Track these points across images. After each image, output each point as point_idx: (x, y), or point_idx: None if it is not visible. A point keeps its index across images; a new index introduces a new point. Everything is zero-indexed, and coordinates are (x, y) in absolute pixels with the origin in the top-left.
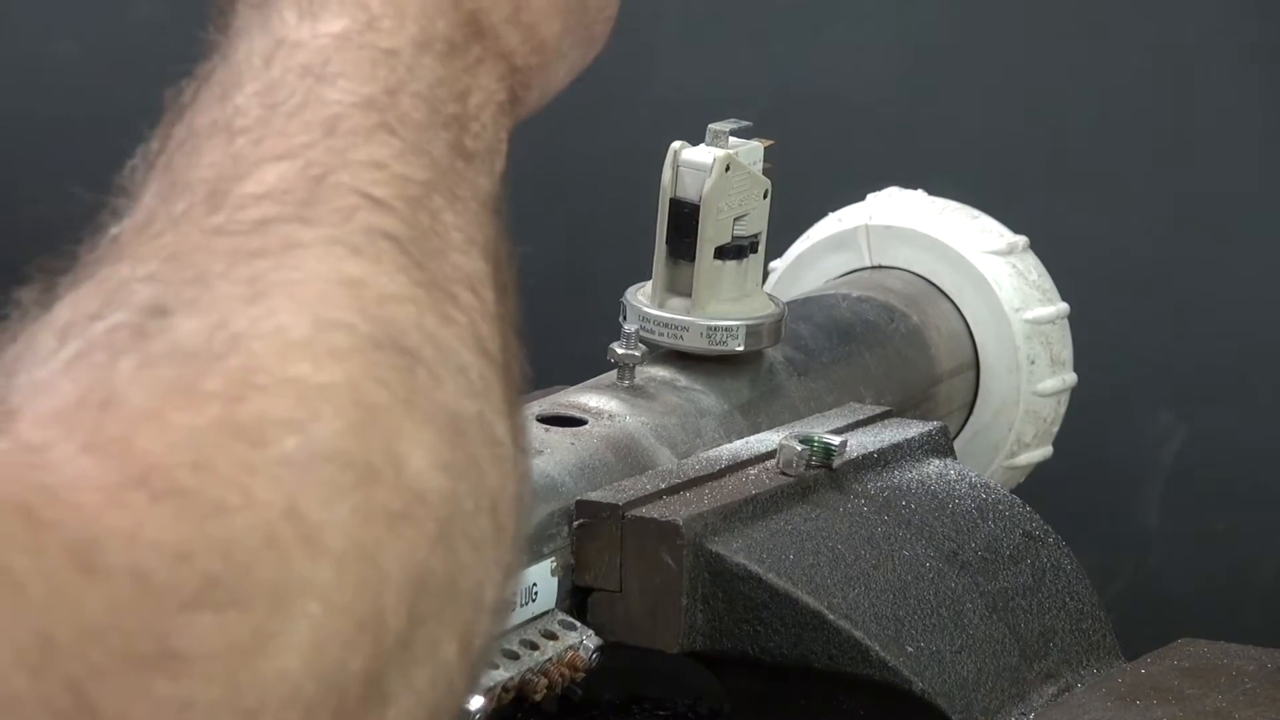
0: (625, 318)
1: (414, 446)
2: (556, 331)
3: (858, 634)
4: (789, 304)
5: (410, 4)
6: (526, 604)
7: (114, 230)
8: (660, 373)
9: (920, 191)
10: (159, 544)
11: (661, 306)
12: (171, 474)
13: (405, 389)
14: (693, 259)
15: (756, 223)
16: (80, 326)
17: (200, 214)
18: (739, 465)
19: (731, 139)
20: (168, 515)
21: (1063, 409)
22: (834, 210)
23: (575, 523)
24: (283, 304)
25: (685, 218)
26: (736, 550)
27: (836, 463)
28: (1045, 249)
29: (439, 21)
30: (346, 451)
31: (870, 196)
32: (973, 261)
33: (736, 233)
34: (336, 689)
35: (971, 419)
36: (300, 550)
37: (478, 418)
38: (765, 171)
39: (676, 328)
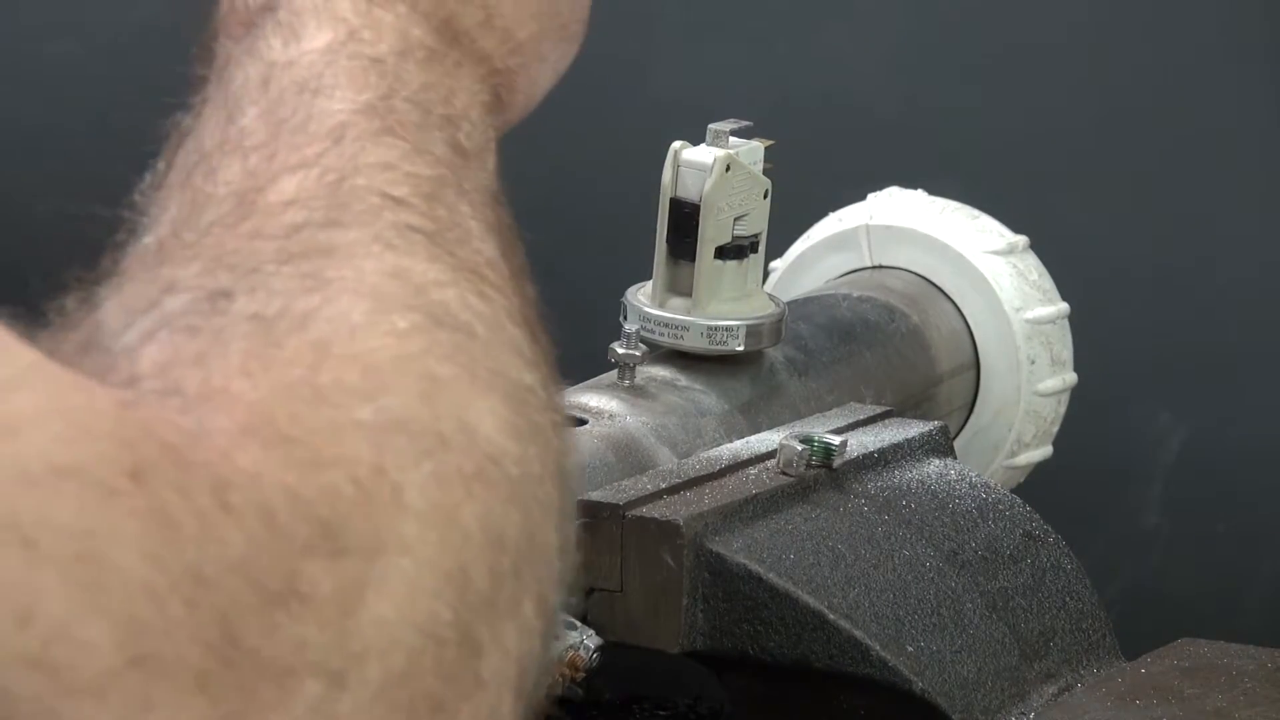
0: (625, 318)
1: (483, 414)
2: (556, 331)
3: (858, 634)
4: (789, 304)
5: (385, 15)
6: None
7: (145, 241)
8: (661, 372)
9: (920, 191)
10: (279, 487)
11: (662, 306)
12: (274, 424)
13: (467, 361)
14: (693, 259)
15: (757, 223)
16: (145, 309)
17: (231, 222)
18: (739, 465)
19: (732, 139)
20: (279, 461)
21: (1063, 409)
22: (835, 210)
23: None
24: (339, 294)
25: (685, 218)
26: (737, 550)
27: (837, 462)
28: (1046, 248)
29: (414, 30)
30: (419, 420)
31: (871, 196)
32: (973, 261)
33: (737, 233)
34: (434, 639)
35: (972, 419)
36: (388, 506)
37: (534, 387)
38: (765, 171)
39: (677, 327)
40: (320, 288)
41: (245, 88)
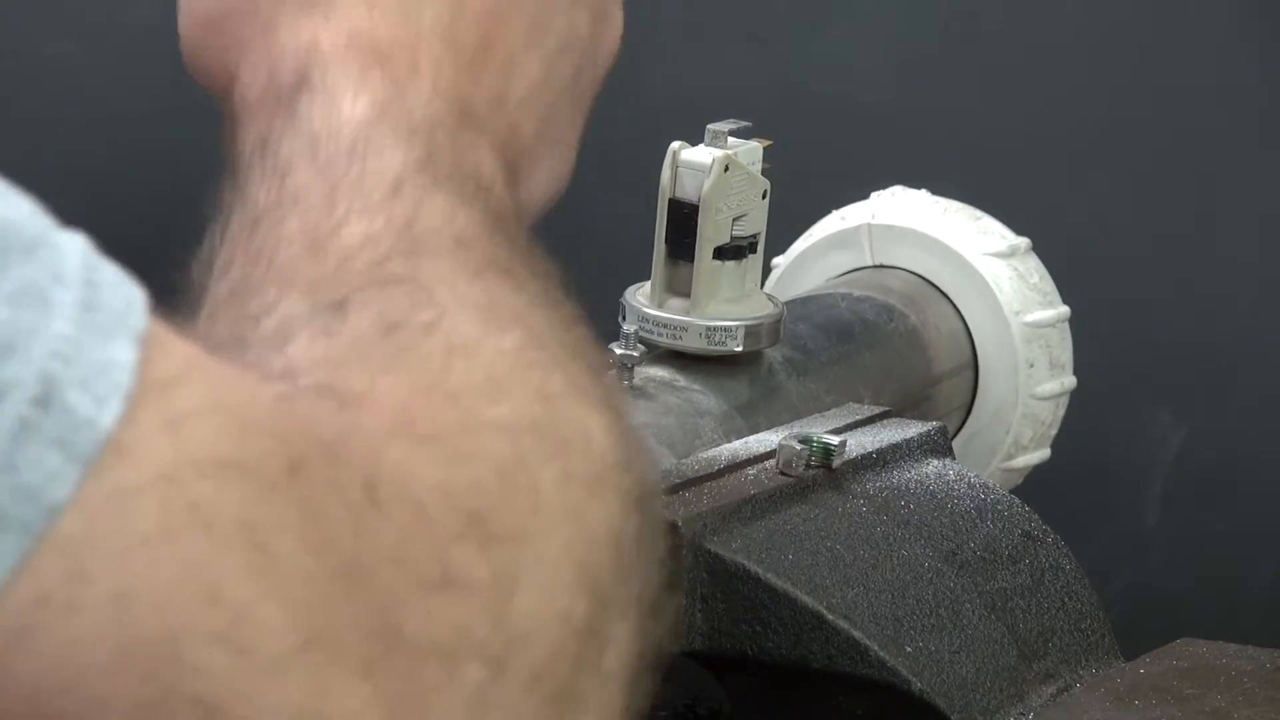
0: (624, 318)
1: (593, 426)
2: None
3: (856, 634)
4: (788, 303)
5: (412, 94)
6: None
7: (217, 287)
8: (659, 373)
9: (924, 191)
10: (429, 481)
11: (660, 307)
12: (418, 424)
13: (570, 380)
14: (692, 259)
15: (755, 223)
16: (260, 314)
17: (308, 260)
18: (738, 465)
19: (730, 139)
20: (427, 458)
21: (1061, 412)
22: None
23: None
24: (449, 309)
25: (684, 218)
26: (735, 550)
27: (836, 463)
28: (1049, 249)
29: (439, 105)
30: (541, 425)
31: (874, 195)
32: (973, 263)
33: (735, 233)
34: (572, 630)
35: (969, 421)
36: (530, 497)
37: (624, 408)
38: (764, 171)
39: (675, 328)
40: (429, 304)
41: (293, 156)
